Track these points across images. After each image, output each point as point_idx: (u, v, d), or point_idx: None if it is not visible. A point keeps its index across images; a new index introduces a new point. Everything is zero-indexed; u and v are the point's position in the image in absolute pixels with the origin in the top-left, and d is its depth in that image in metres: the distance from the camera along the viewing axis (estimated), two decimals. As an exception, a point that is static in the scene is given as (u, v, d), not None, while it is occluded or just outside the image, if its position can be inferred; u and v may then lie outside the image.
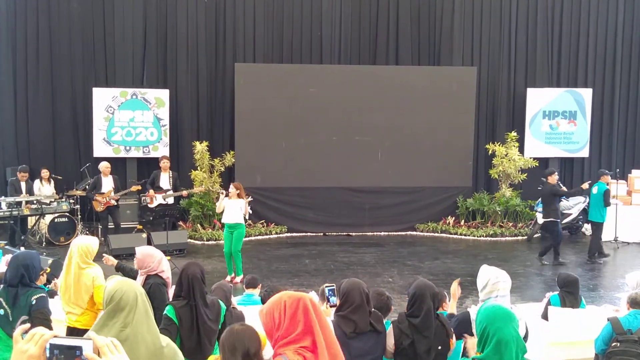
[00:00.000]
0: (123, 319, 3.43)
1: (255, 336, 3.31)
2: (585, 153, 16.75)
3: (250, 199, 11.37)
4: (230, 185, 11.32)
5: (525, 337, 4.89)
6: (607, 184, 13.02)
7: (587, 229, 15.53)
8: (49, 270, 8.85)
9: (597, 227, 12.96)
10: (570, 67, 17.05)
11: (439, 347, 4.81)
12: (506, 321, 3.93)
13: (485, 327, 3.98)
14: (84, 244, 6.10)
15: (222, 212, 11.22)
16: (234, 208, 10.95)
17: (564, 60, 17.00)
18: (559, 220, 12.60)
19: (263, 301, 6.36)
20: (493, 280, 4.95)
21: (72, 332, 5.85)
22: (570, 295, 7.13)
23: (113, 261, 7.07)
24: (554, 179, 12.64)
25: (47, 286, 8.04)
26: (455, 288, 5.97)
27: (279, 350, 3.32)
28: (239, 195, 11.01)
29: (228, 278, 10.95)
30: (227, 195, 11.17)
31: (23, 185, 13.59)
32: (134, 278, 6.97)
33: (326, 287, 5.76)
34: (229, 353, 3.26)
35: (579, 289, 7.26)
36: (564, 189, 13.17)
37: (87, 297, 5.89)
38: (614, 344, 5.58)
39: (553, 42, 16.97)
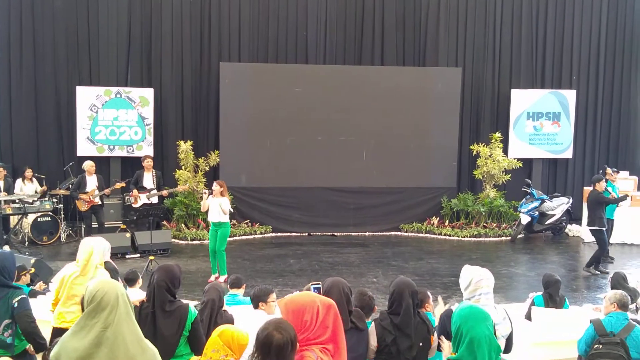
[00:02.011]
0: (104, 319, 3.39)
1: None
2: (569, 154, 16.84)
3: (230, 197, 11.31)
4: (214, 183, 11.27)
5: (510, 338, 4.91)
6: (613, 182, 13.09)
7: (570, 229, 15.64)
8: (32, 270, 8.75)
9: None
10: (555, 69, 17.14)
11: (420, 344, 4.86)
12: (479, 320, 3.97)
13: (459, 326, 4.06)
14: (106, 245, 6.16)
15: (207, 211, 11.18)
16: (218, 206, 10.92)
17: (548, 62, 17.09)
18: (604, 229, 12.11)
19: (252, 300, 6.38)
20: (476, 279, 4.97)
21: (59, 333, 5.75)
22: (553, 295, 7.17)
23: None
24: (601, 186, 12.19)
25: (31, 286, 7.97)
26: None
27: (304, 347, 3.38)
28: (222, 193, 10.97)
29: (212, 277, 10.92)
30: (211, 194, 11.12)
31: (1, 183, 13.46)
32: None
33: (312, 285, 5.78)
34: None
35: (559, 289, 7.30)
36: (613, 195, 12.78)
37: None
38: (596, 345, 5.60)
39: (537, 44, 17.06)
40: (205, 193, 11.39)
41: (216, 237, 10.98)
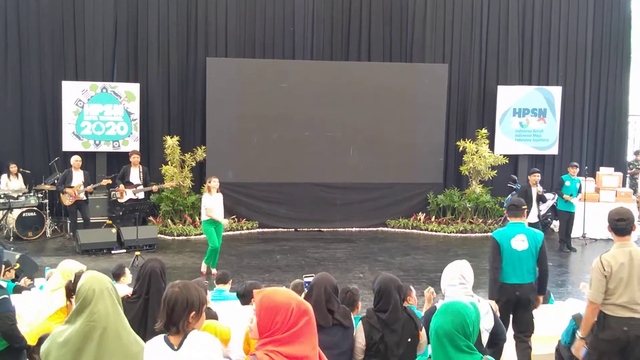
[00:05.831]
0: (90, 312, 3.42)
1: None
2: (554, 150, 16.92)
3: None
4: (214, 180, 11.29)
5: (496, 332, 4.96)
6: (572, 175, 13.85)
7: (555, 225, 15.71)
8: (17, 266, 8.72)
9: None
10: (541, 65, 17.18)
11: (409, 340, 4.87)
12: (445, 314, 3.90)
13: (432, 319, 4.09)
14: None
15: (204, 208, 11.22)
16: (219, 203, 11.18)
17: (535, 58, 17.13)
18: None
19: (242, 296, 6.45)
20: (446, 273, 5.10)
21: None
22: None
23: None
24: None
25: (16, 282, 7.94)
26: (430, 293, 6.05)
27: (254, 350, 3.19)
28: (217, 190, 11.17)
29: (204, 268, 11.05)
30: (209, 190, 11.17)
31: None
32: None
33: (305, 278, 5.86)
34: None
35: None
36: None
37: None
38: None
39: (524, 40, 17.09)
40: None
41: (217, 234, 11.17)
